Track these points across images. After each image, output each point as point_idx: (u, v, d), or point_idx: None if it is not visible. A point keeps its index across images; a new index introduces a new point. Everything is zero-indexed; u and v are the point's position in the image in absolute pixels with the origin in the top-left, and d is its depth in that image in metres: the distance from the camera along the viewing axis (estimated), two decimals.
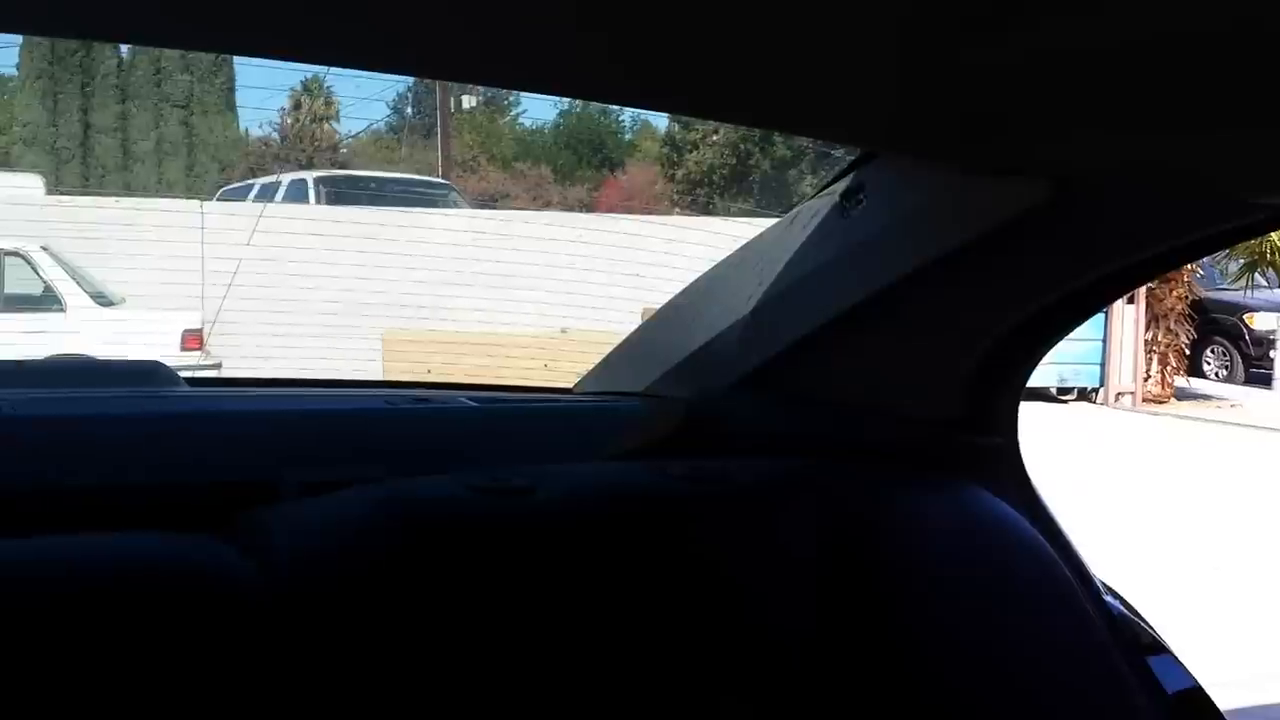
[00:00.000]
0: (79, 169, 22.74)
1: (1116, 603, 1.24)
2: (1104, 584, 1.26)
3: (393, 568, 0.94)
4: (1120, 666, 1.14)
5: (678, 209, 21.39)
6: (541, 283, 11.19)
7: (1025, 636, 1.12)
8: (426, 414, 1.31)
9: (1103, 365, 11.85)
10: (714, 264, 1.44)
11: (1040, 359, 1.23)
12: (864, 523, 1.13)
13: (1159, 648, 1.23)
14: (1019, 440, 1.27)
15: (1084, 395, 12.00)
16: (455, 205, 13.84)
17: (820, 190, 1.24)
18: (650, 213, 17.02)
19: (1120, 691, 1.11)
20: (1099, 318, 11.62)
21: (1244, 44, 0.63)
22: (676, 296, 1.49)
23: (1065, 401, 11.77)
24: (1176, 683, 1.20)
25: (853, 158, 1.21)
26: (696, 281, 1.46)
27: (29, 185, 12.28)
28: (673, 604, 1.03)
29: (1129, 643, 1.20)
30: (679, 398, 1.38)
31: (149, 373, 1.40)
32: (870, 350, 1.24)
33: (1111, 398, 11.90)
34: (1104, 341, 11.78)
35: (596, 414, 1.42)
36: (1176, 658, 1.23)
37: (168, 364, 1.45)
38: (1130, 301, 11.81)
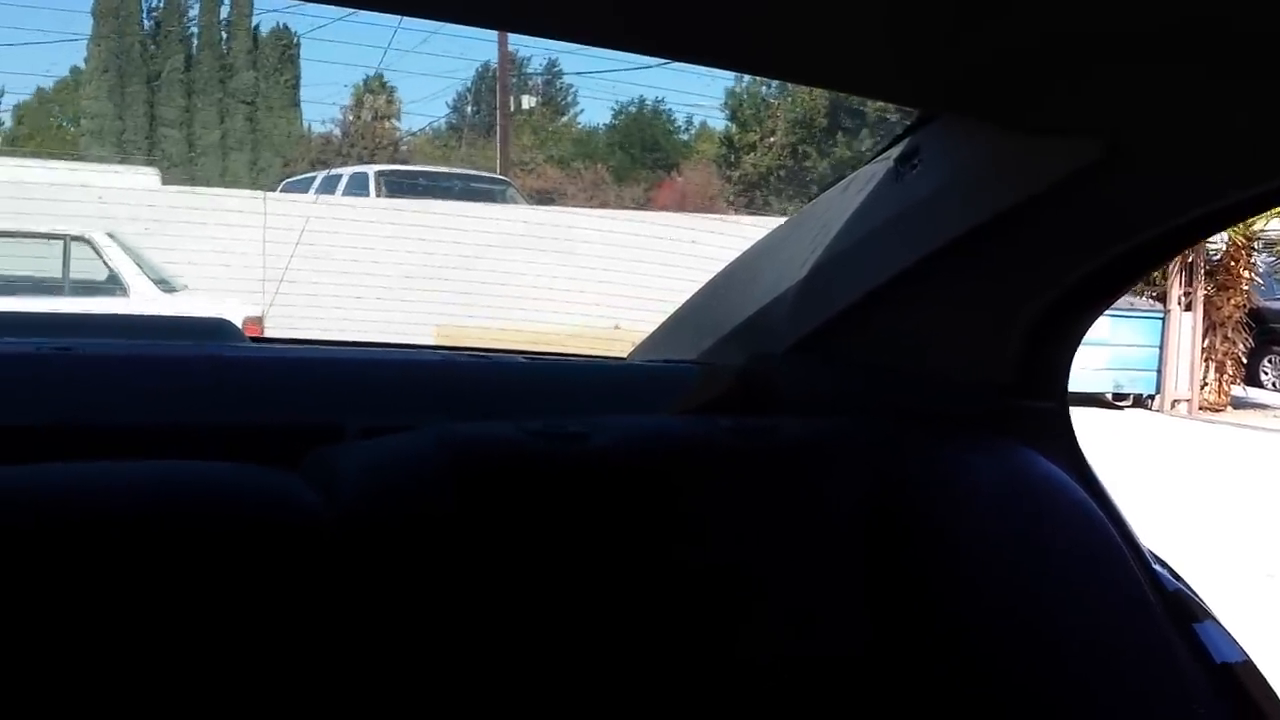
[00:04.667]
0: (145, 162, 23.12)
1: (1165, 571, 1.24)
2: (1152, 553, 1.26)
3: (451, 504, 0.97)
4: (1169, 633, 1.14)
5: (733, 210, 21.35)
6: (596, 279, 11.22)
7: (1074, 600, 1.13)
8: (485, 367, 1.33)
9: (1159, 372, 11.70)
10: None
11: (1091, 323, 1.24)
12: (914, 483, 1.14)
13: (1208, 617, 1.22)
14: (1069, 405, 1.27)
15: (1140, 402, 11.85)
16: (513, 201, 13.92)
17: (876, 155, 1.25)
18: (706, 212, 17.00)
19: (1169, 658, 1.11)
20: (1155, 324, 11.49)
21: None
22: (730, 264, 1.50)
23: (1121, 408, 11.63)
24: (1226, 654, 1.19)
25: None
26: (750, 249, 1.48)
27: (144, 176, 12.74)
28: (718, 553, 1.05)
29: (1178, 610, 1.19)
30: (732, 363, 1.40)
31: (215, 329, 1.44)
32: (923, 314, 1.25)
33: (1168, 405, 11.74)
34: (1160, 348, 11.63)
35: (648, 376, 1.44)
36: (1226, 630, 1.23)
37: None
38: (1187, 309, 11.66)
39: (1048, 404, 1.25)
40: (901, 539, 1.11)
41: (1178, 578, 1.25)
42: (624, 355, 1.66)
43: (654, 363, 1.49)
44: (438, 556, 0.94)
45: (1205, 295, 11.70)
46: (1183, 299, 11.64)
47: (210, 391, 1.17)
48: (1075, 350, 1.25)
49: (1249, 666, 1.22)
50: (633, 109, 31.73)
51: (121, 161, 20.38)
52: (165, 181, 14.35)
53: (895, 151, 1.20)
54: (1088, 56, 0.90)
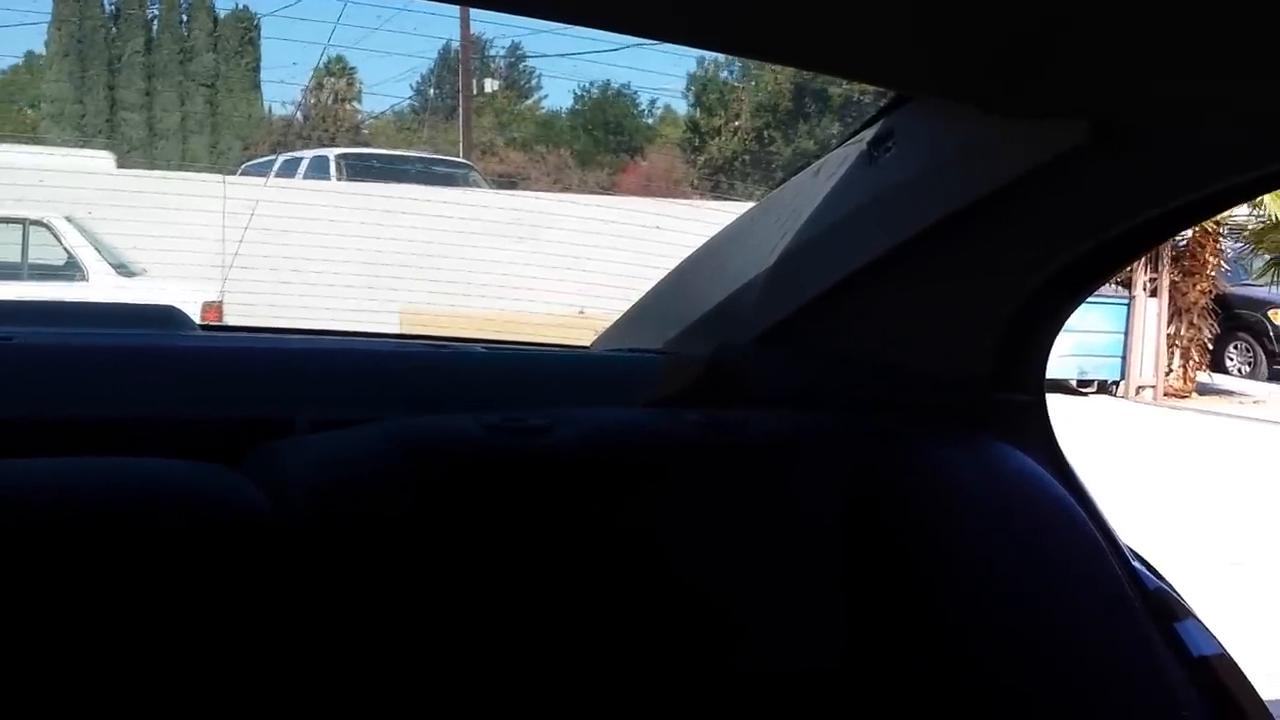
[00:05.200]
0: (105, 145, 22.84)
1: (1142, 567, 1.22)
2: (1129, 548, 1.24)
3: (405, 502, 0.92)
4: (1147, 628, 1.11)
5: (698, 194, 21.34)
6: (560, 264, 11.17)
7: (1053, 597, 1.10)
8: (442, 359, 1.29)
9: (1124, 358, 11.77)
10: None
11: (1069, 315, 1.20)
12: (887, 477, 1.11)
13: (1185, 613, 1.20)
14: (1045, 398, 1.24)
15: (1104, 388, 11.93)
16: (476, 185, 13.83)
17: (847, 138, 1.21)
18: (671, 197, 16.97)
19: (1147, 652, 1.09)
20: (1120, 310, 11.55)
21: None
22: (697, 250, 1.46)
23: (1085, 394, 11.69)
24: (1203, 648, 1.17)
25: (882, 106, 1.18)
26: (717, 235, 1.44)
27: (100, 159, 12.57)
28: (684, 549, 1.01)
29: (1155, 605, 1.17)
30: (699, 353, 1.36)
31: (165, 317, 1.39)
32: (896, 303, 1.21)
33: (1132, 391, 11.82)
34: (1125, 334, 11.70)
35: (612, 367, 1.40)
36: (1203, 624, 1.21)
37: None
38: (1153, 295, 11.73)
39: (1024, 397, 1.22)
40: (877, 536, 1.07)
41: (1157, 575, 1.23)
42: (588, 341, 1.62)
43: (618, 352, 1.45)
44: (391, 559, 0.89)
45: (1171, 281, 11.77)
46: (1148, 285, 11.71)
47: (155, 383, 1.12)
48: (1053, 342, 1.22)
49: (1225, 660, 1.19)
50: (595, 92, 31.64)
51: (82, 145, 20.11)
52: (121, 165, 14.16)
53: (869, 134, 1.16)
54: (1073, 35, 0.86)
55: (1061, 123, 0.97)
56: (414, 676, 0.89)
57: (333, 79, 29.98)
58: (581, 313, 9.63)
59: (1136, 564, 1.21)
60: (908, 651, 1.06)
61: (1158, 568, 1.26)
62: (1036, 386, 1.23)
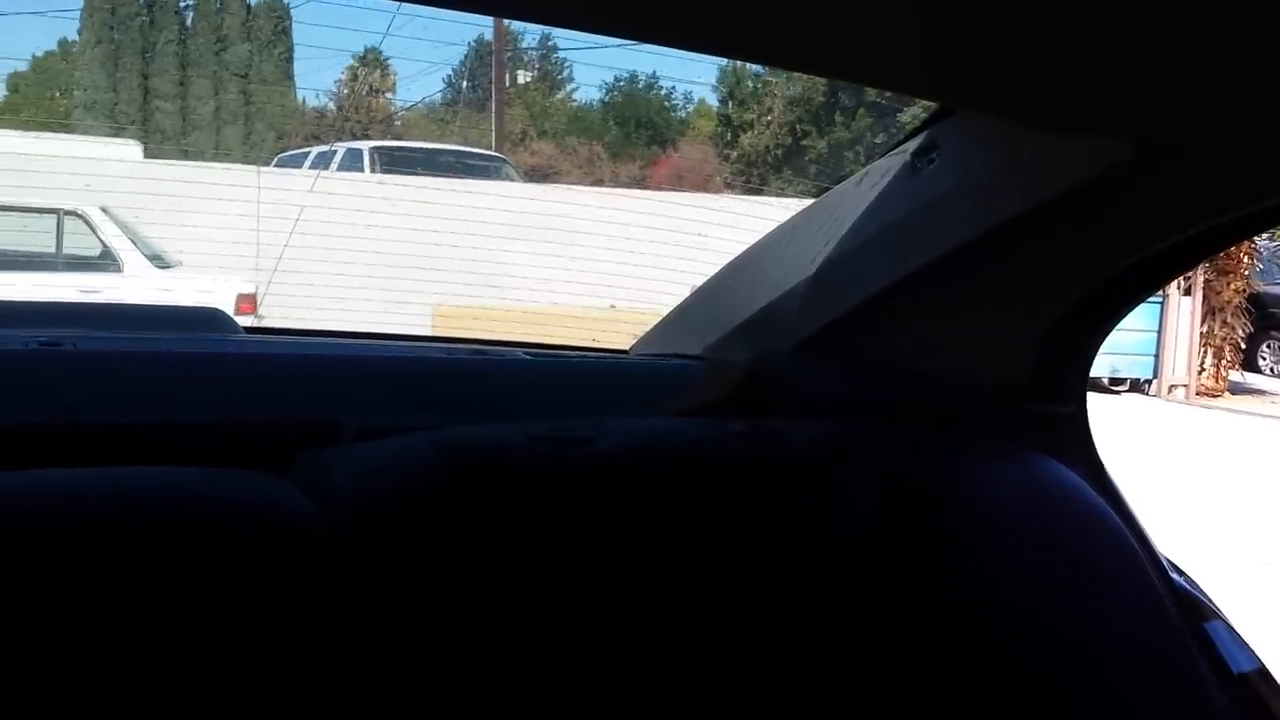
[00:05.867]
0: (138, 134, 23.03)
1: (1181, 579, 1.21)
2: (1169, 561, 1.23)
3: (451, 513, 0.93)
4: (1187, 643, 1.11)
5: (729, 189, 21.28)
6: (592, 258, 11.18)
7: (1090, 610, 1.10)
8: (484, 365, 1.30)
9: (1156, 357, 11.70)
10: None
11: (1112, 328, 1.20)
12: (927, 489, 1.11)
13: (1227, 627, 1.20)
14: (1087, 410, 1.24)
15: (1136, 387, 11.85)
16: (508, 178, 13.86)
17: (891, 148, 1.21)
18: (704, 191, 16.94)
19: (1188, 668, 1.09)
20: (1154, 308, 11.46)
21: None
22: (737, 258, 1.46)
23: (1117, 392, 11.62)
24: (1242, 664, 1.17)
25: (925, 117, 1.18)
26: (758, 242, 1.44)
27: (128, 148, 12.66)
28: (728, 560, 1.02)
29: (1195, 619, 1.17)
30: (738, 360, 1.36)
31: (209, 319, 1.41)
32: (937, 314, 1.21)
33: (1164, 390, 11.74)
34: (1159, 333, 11.62)
35: (653, 374, 1.41)
36: (1242, 638, 1.20)
37: None
38: (1186, 293, 11.64)
39: (1066, 408, 1.22)
40: (917, 548, 1.08)
41: (1199, 590, 1.22)
42: (620, 335, 1.62)
43: (658, 359, 1.46)
44: (436, 568, 0.90)
45: (1205, 279, 11.68)
46: (1181, 283, 11.62)
47: (202, 389, 1.13)
48: (1095, 353, 1.21)
49: (1265, 674, 1.19)
50: (626, 85, 31.62)
51: (115, 133, 20.26)
52: (149, 155, 14.25)
53: (913, 145, 1.16)
54: (1117, 49, 0.86)
55: (1105, 138, 0.97)
56: (459, 686, 0.90)
57: (366, 69, 30.10)
58: (613, 307, 9.65)
59: (1177, 577, 1.21)
60: (945, 663, 1.06)
61: (1189, 570, 1.26)
62: (1077, 398, 1.23)
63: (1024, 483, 1.14)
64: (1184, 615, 1.14)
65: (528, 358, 1.35)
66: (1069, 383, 1.21)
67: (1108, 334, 1.20)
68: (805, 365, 1.30)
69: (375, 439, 1.03)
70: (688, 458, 1.06)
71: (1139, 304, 1.18)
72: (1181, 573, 1.24)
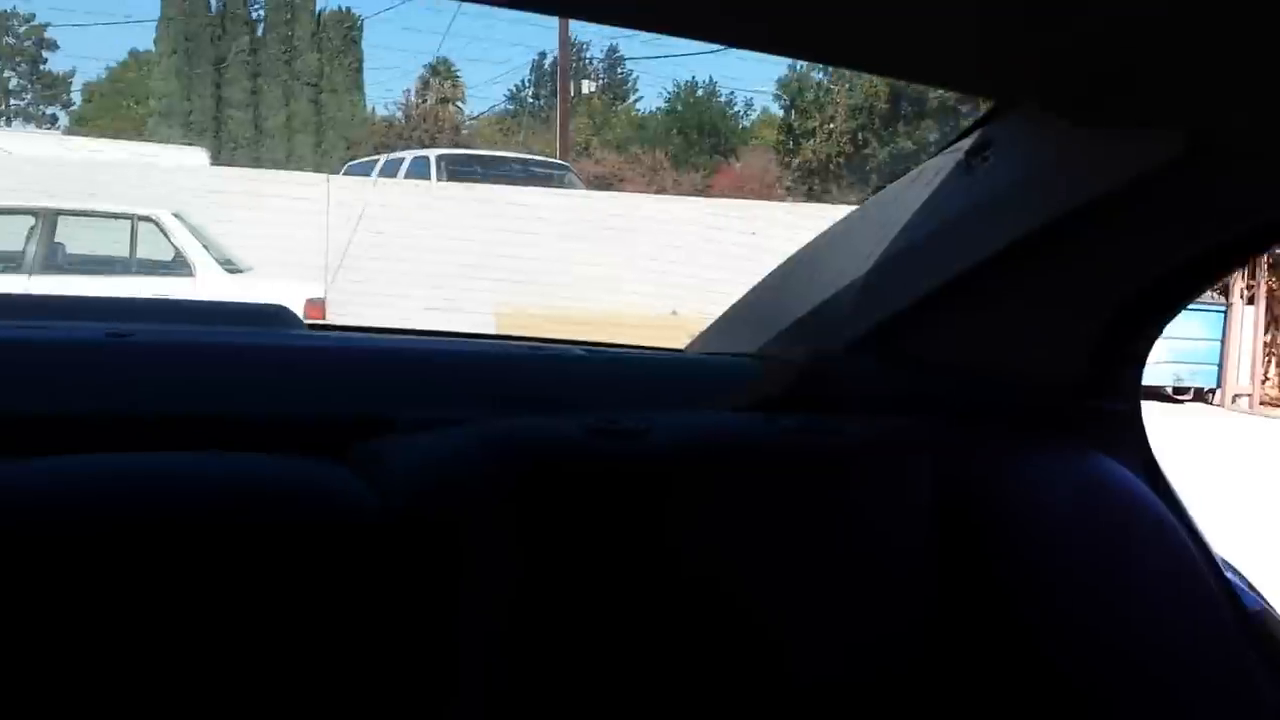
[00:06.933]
0: (211, 142, 23.44)
1: (1236, 578, 1.20)
2: (1229, 563, 1.22)
3: (503, 502, 0.95)
4: (1242, 647, 1.10)
5: (791, 198, 21.20)
6: (653, 265, 11.21)
7: (1147, 607, 1.09)
8: (541, 359, 1.32)
9: (1220, 366, 11.51)
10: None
11: (1167, 324, 1.20)
12: (982, 486, 1.11)
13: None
14: (1141, 408, 1.24)
15: (1199, 396, 11.66)
16: (572, 185, 13.92)
17: (945, 147, 1.22)
18: (766, 199, 16.91)
19: (1241, 666, 1.08)
20: (1217, 317, 11.29)
21: None
22: (792, 257, 1.47)
23: (1180, 401, 11.43)
24: None
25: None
26: (813, 241, 1.45)
27: (194, 155, 12.94)
28: (778, 554, 1.03)
29: (1256, 626, 1.15)
30: (792, 359, 1.37)
31: (273, 314, 1.44)
32: (992, 312, 1.22)
33: (1228, 400, 11.54)
34: (1222, 342, 11.43)
35: (707, 370, 1.42)
36: None
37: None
38: (1250, 302, 11.44)
39: (1121, 406, 1.21)
40: (971, 544, 1.08)
41: (1259, 594, 1.21)
42: (679, 342, 1.64)
43: (712, 356, 1.47)
44: (489, 556, 0.92)
45: (1269, 288, 11.47)
46: (1245, 292, 11.42)
47: (265, 381, 1.16)
48: (1149, 351, 1.21)
49: None
50: (689, 94, 31.60)
51: (189, 144, 20.66)
52: (216, 162, 14.52)
53: (966, 144, 1.16)
54: (1168, 45, 0.86)
55: (1157, 134, 0.97)
56: (509, 672, 0.91)
57: (437, 79, 30.40)
58: (674, 314, 9.66)
59: (1235, 579, 1.20)
60: (997, 657, 1.07)
61: (1252, 579, 1.24)
62: (1132, 395, 1.23)
63: (1078, 479, 1.14)
64: (1242, 619, 1.13)
65: (583, 354, 1.37)
66: (1124, 380, 1.21)
67: (1162, 330, 1.20)
68: (859, 363, 1.31)
69: (431, 431, 1.05)
70: (740, 451, 1.07)
71: (1194, 299, 1.18)
72: (1236, 571, 1.23)
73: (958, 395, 1.24)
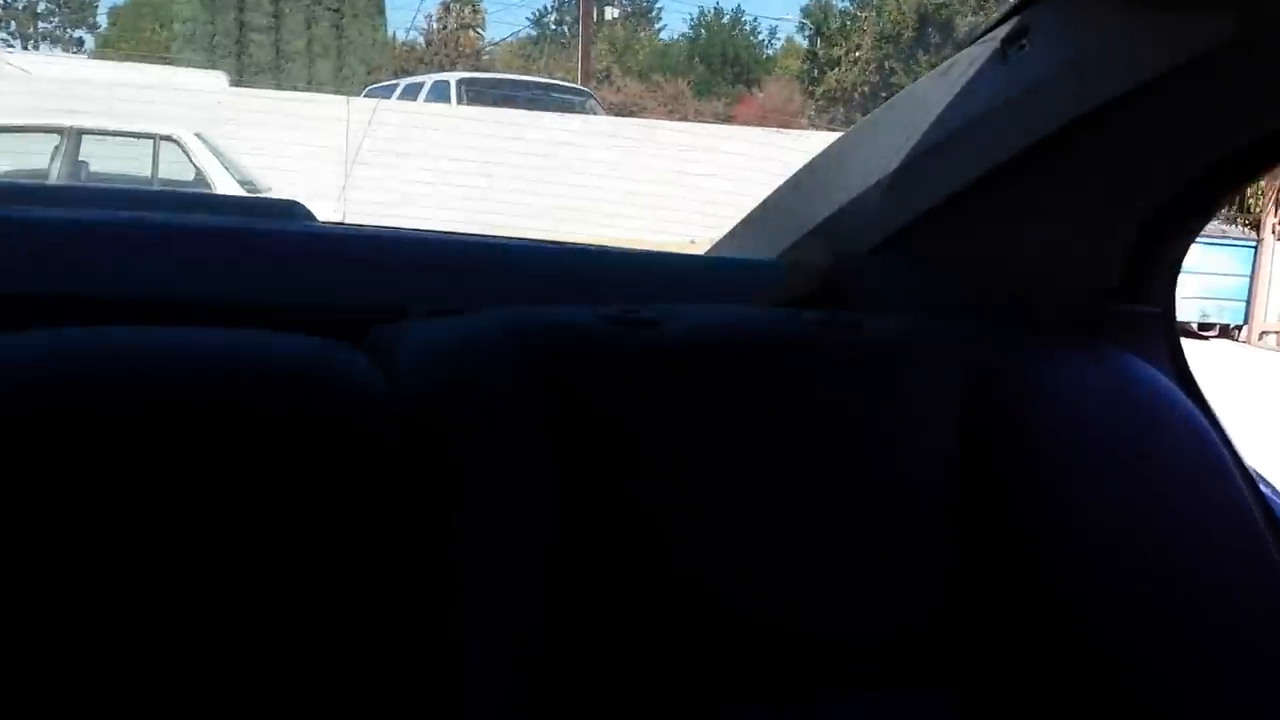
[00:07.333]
0: (234, 66, 23.28)
1: (1268, 489, 1.17)
2: (1260, 474, 1.19)
3: (518, 388, 0.93)
4: (1270, 546, 1.07)
5: (813, 126, 20.96)
6: (672, 193, 11.13)
7: (1177, 509, 1.06)
8: (556, 252, 1.29)
9: (1248, 302, 11.38)
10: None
11: (1205, 224, 1.16)
12: (1010, 386, 1.08)
13: None
14: (1174, 312, 1.20)
15: (1225, 332, 11.56)
16: (593, 112, 13.80)
17: (978, 37, 1.17)
18: (788, 128, 16.72)
19: (1272, 572, 1.05)
20: (1247, 252, 11.15)
21: None
22: (816, 157, 1.43)
23: (1206, 338, 11.34)
24: None
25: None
26: (838, 141, 1.40)
27: (213, 78, 12.87)
28: (795, 449, 1.00)
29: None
30: (815, 261, 1.34)
31: (287, 208, 1.41)
32: (1025, 210, 1.17)
33: (1255, 336, 11.44)
34: (1251, 278, 11.30)
35: (727, 271, 1.39)
36: None
37: None
38: None
39: (1153, 309, 1.18)
40: (997, 444, 1.05)
41: None
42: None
43: (732, 258, 1.44)
44: (498, 442, 0.90)
45: None
46: (1277, 227, 11.26)
47: (277, 267, 1.14)
48: (1185, 252, 1.17)
49: None
50: (710, 21, 31.18)
51: (211, 66, 20.52)
52: (235, 84, 14.44)
53: (1002, 31, 1.11)
54: None
55: (1207, 15, 0.92)
56: (516, 558, 0.89)
57: (459, 5, 30.09)
58: (692, 242, 9.60)
59: (1269, 491, 1.17)
60: (1023, 560, 1.04)
61: None
62: (1165, 300, 1.19)
63: (1109, 382, 1.11)
64: (1271, 521, 1.10)
65: (602, 249, 1.34)
66: (1157, 283, 1.17)
67: (1198, 231, 1.16)
68: (885, 265, 1.27)
69: (447, 318, 1.03)
70: (756, 343, 1.04)
71: (1233, 197, 1.14)
72: (1269, 483, 1.20)
73: (985, 298, 1.21)
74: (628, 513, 0.94)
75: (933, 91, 1.22)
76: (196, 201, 1.58)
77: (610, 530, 0.93)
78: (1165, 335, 1.19)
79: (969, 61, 1.16)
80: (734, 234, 1.54)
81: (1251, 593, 1.06)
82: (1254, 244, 11.24)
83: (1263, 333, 11.50)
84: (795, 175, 1.46)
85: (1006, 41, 1.10)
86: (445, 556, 0.87)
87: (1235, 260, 11.07)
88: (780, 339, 1.06)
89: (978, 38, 1.17)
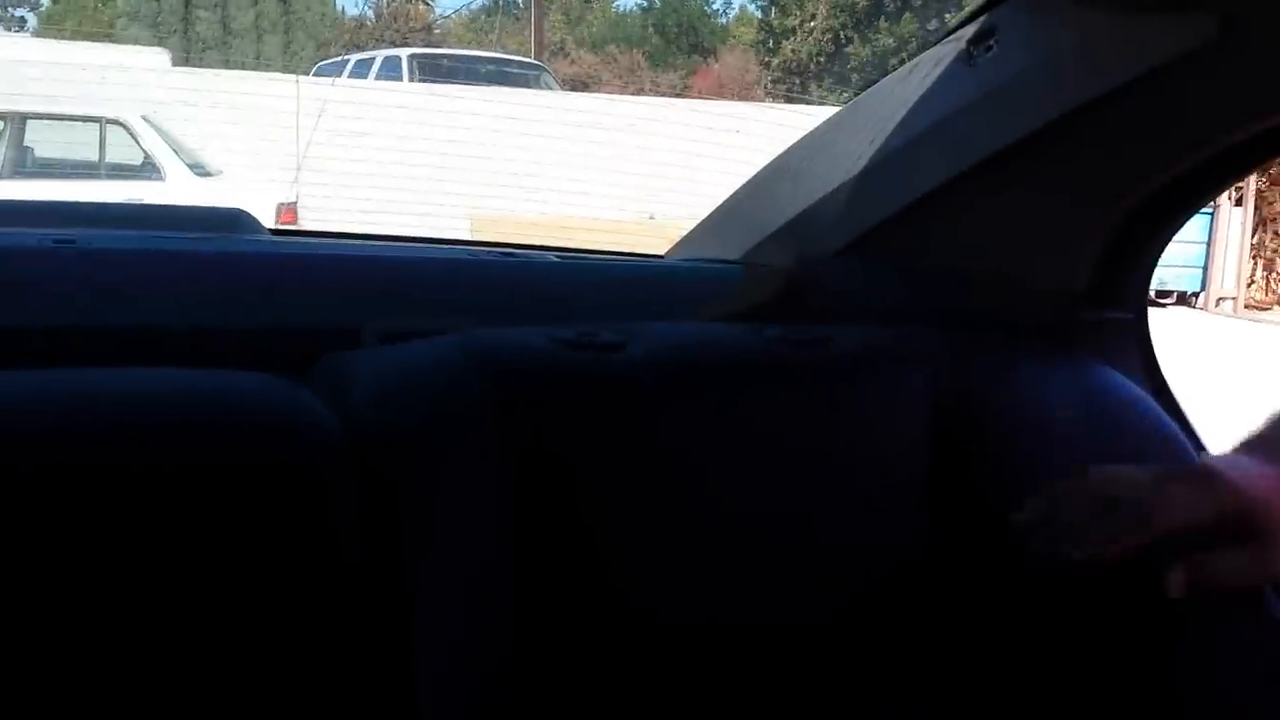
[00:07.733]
0: (180, 43, 22.92)
1: None
2: None
3: (471, 419, 0.89)
4: None
5: (770, 98, 20.91)
6: (631, 169, 11.08)
7: None
8: (512, 266, 1.25)
9: (1205, 269, 11.48)
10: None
11: (1178, 229, 1.13)
12: (979, 398, 1.05)
13: None
14: (1147, 318, 1.18)
15: (1183, 299, 11.66)
16: (547, 87, 13.69)
17: (944, 36, 1.14)
18: (745, 100, 16.69)
19: (1254, 599, 1.03)
20: (1204, 219, 11.24)
21: None
22: (779, 156, 1.40)
23: (1163, 305, 11.44)
24: None
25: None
26: (800, 141, 1.37)
27: (155, 56, 12.60)
28: (761, 470, 0.97)
29: None
30: (778, 265, 1.31)
31: (232, 219, 1.36)
32: (992, 215, 1.15)
33: (1212, 303, 11.54)
34: (1208, 245, 11.39)
35: (688, 278, 1.35)
36: None
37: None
38: (1238, 204, 11.38)
39: (1125, 315, 1.15)
40: (965, 455, 1.02)
41: None
42: (659, 248, 1.57)
43: (694, 262, 1.40)
44: (455, 474, 0.86)
45: (1257, 190, 11.41)
46: (1233, 193, 11.37)
47: (221, 290, 1.09)
48: (1158, 257, 1.15)
49: None
50: None
51: (157, 43, 20.16)
52: (179, 63, 14.17)
53: (968, 32, 1.08)
54: None
55: (1186, 18, 0.89)
56: (476, 588, 0.86)
57: None
58: (652, 218, 9.55)
59: None
60: (991, 573, 1.02)
61: None
62: (1138, 305, 1.17)
63: (1079, 391, 1.08)
64: None
65: (557, 260, 1.30)
66: (1130, 288, 1.15)
67: (1171, 237, 1.13)
68: (849, 269, 1.24)
69: (398, 342, 0.99)
70: (721, 364, 1.01)
71: (1207, 203, 1.11)
72: None
73: (953, 304, 1.18)
74: (592, 545, 0.90)
75: (896, 92, 1.18)
76: (133, 216, 1.52)
77: (576, 563, 0.90)
78: (1137, 341, 1.17)
79: (934, 62, 1.13)
80: (695, 234, 1.50)
81: (1224, 598, 1.05)
82: (1210, 211, 11.35)
83: (1219, 299, 11.62)
84: (758, 175, 1.43)
85: (973, 42, 1.07)
86: (404, 598, 0.83)
87: (1191, 227, 11.15)
88: (744, 358, 1.02)
89: (943, 37, 1.14)
